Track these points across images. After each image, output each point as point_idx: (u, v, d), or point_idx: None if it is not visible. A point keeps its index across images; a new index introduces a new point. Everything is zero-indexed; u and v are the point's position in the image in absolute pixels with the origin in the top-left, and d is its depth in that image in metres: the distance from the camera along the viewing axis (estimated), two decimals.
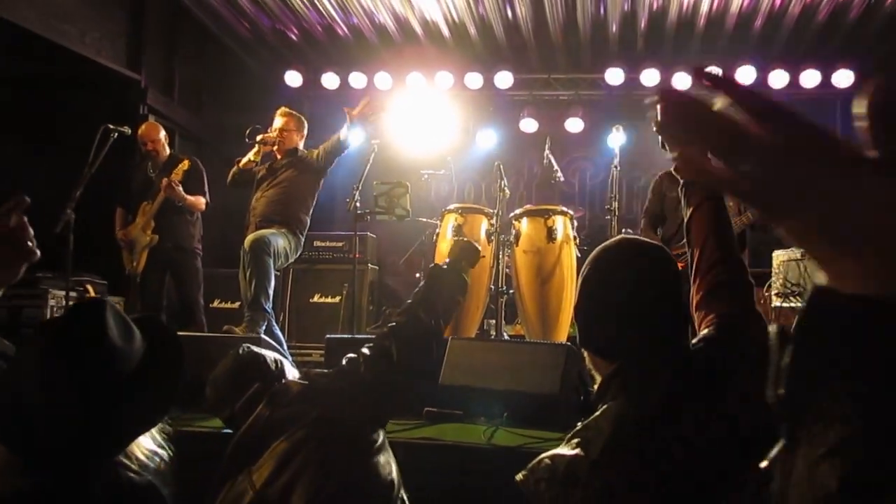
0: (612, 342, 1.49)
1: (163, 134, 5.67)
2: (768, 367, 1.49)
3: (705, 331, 1.49)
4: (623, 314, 1.48)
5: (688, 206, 1.67)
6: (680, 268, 1.59)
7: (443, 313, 2.18)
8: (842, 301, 0.57)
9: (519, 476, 1.32)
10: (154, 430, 1.53)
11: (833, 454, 0.53)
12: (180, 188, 5.32)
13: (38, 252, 1.44)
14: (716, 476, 1.21)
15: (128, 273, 5.47)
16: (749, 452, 1.23)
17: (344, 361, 2.06)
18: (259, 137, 5.17)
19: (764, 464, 0.63)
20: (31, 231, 1.41)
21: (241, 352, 2.19)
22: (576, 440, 1.32)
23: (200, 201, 5.55)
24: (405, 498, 1.91)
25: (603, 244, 1.63)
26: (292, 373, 2.19)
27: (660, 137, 1.68)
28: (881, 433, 0.53)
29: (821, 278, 0.61)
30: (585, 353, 1.56)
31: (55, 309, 5.77)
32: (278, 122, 5.24)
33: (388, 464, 1.92)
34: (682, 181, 1.71)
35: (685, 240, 1.68)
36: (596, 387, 1.48)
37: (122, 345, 1.43)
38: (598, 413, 1.37)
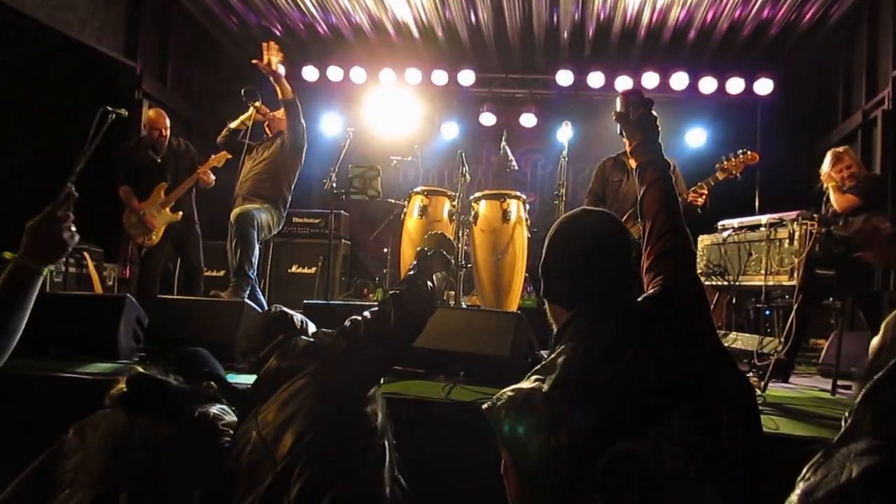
0: (568, 293, 1.53)
1: (169, 122, 5.51)
2: (699, 321, 1.54)
3: (651, 290, 1.53)
4: (579, 269, 1.53)
5: (641, 185, 1.72)
6: None
7: (436, 285, 2.20)
8: None
9: (485, 405, 1.35)
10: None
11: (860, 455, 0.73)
12: (213, 177, 5.40)
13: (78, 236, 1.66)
14: (646, 410, 1.25)
15: (140, 244, 5.34)
16: (675, 392, 1.28)
17: (347, 323, 2.06)
18: (257, 103, 5.00)
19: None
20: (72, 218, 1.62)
21: (271, 310, 2.28)
22: (535, 377, 1.36)
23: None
24: (387, 444, 1.92)
25: (566, 213, 1.69)
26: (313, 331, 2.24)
27: (617, 126, 1.83)
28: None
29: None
30: (546, 303, 1.60)
31: (54, 273, 5.61)
32: (280, 111, 5.14)
33: (375, 414, 1.93)
34: (636, 165, 1.76)
35: (638, 213, 1.73)
36: (554, 331, 1.53)
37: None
38: (553, 354, 1.41)
